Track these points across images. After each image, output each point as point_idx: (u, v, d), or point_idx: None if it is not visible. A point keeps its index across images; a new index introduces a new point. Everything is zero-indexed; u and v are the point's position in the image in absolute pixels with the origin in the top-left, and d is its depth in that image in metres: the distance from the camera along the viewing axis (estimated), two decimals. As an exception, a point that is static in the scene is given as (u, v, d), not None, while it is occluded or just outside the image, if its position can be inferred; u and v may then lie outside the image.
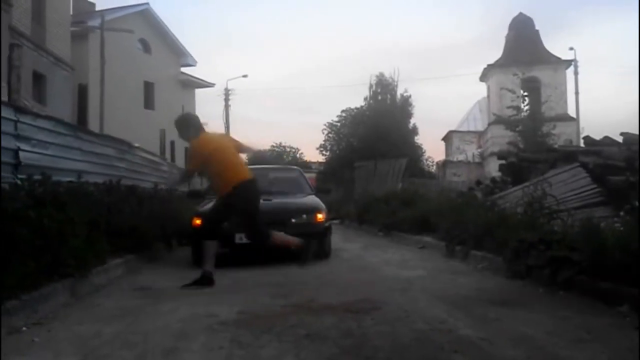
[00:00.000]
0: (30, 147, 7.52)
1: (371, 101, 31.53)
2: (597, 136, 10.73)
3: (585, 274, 4.39)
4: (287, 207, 7.40)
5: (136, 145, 13.75)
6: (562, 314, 3.83)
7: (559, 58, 33.33)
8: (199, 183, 25.39)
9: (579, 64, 32.77)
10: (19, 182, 6.39)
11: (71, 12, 21.65)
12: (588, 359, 2.90)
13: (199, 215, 7.53)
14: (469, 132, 38.78)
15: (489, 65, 34.50)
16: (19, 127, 7.26)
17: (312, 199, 8.11)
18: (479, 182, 12.59)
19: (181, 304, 4.58)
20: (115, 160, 11.57)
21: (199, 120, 6.17)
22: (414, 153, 29.61)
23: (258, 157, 6.49)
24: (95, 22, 22.50)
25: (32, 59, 16.49)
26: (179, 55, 31.12)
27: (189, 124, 6.06)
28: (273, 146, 46.94)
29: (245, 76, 44.34)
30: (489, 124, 33.26)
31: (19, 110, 7.62)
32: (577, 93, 32.46)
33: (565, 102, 32.74)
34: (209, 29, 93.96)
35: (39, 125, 7.95)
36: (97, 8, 27.16)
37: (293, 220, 7.19)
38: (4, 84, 11.17)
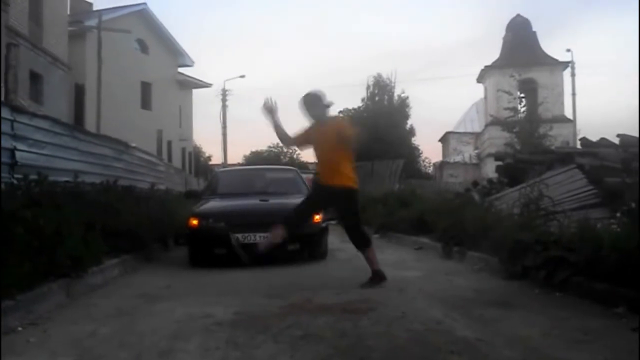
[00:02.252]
0: (26, 146, 7.52)
1: (368, 102, 31.56)
2: (594, 138, 10.76)
3: (581, 275, 4.39)
4: (284, 207, 7.36)
5: (133, 145, 13.75)
6: (559, 315, 3.83)
7: (556, 60, 33.41)
8: (196, 183, 25.32)
9: (575, 65, 32.89)
10: (15, 181, 6.38)
11: (68, 12, 21.64)
12: (584, 360, 2.90)
13: (195, 216, 7.53)
14: (466, 133, 38.87)
15: (486, 67, 34.57)
16: (16, 127, 7.25)
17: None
18: (475, 183, 12.58)
19: (177, 305, 4.57)
20: (112, 161, 11.57)
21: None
22: (411, 154, 29.69)
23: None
24: (92, 22, 22.49)
25: (29, 58, 16.46)
26: (177, 55, 31.14)
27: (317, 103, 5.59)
28: (270, 147, 46.98)
29: (242, 77, 44.69)
30: (486, 126, 33.33)
31: (16, 109, 7.62)
32: (573, 95, 32.58)
33: (562, 103, 32.84)
34: (207, 30, 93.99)
35: (36, 125, 7.95)
36: (95, 8, 27.17)
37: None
38: (1, 84, 11.16)
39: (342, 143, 5.38)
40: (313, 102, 5.57)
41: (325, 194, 5.63)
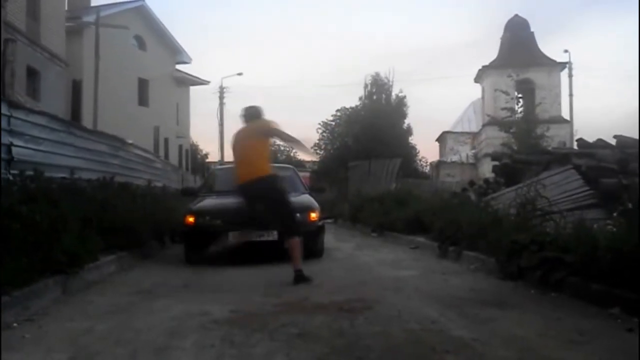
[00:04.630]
0: (23, 142, 7.50)
1: (366, 101, 31.49)
2: (591, 139, 10.78)
3: (577, 276, 4.40)
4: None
5: (130, 142, 13.73)
6: (554, 316, 3.84)
7: (554, 60, 33.42)
8: (193, 181, 25.30)
9: (573, 66, 32.88)
10: (11, 177, 6.37)
11: (66, 8, 21.55)
12: (579, 361, 2.91)
13: (192, 213, 7.52)
14: (463, 133, 38.86)
15: (483, 67, 34.57)
16: (12, 123, 7.23)
17: (306, 198, 8.10)
18: (472, 183, 12.60)
19: (174, 302, 4.57)
20: (109, 157, 11.55)
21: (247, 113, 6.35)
22: (408, 153, 29.65)
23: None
24: (90, 18, 22.40)
25: (27, 54, 16.40)
26: (174, 52, 31.06)
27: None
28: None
29: (240, 74, 44.15)
30: (483, 125, 33.34)
31: (13, 105, 7.60)
32: (571, 95, 32.57)
33: (559, 104, 32.84)
34: (205, 27, 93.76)
35: (32, 121, 7.93)
36: (93, 4, 27.06)
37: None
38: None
39: (261, 136, 6.08)
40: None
41: (243, 193, 6.10)
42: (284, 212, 5.96)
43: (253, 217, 6.23)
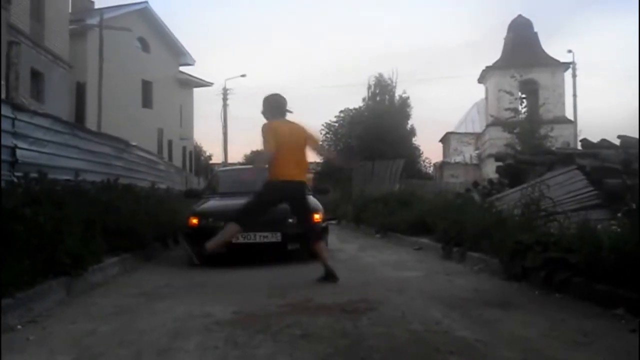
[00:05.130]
0: (27, 145, 7.52)
1: (369, 102, 31.45)
2: (595, 139, 10.77)
3: (581, 276, 4.39)
4: (283, 207, 7.38)
5: (134, 144, 13.75)
6: (558, 316, 3.83)
7: (557, 60, 33.43)
8: (196, 182, 25.31)
9: (577, 66, 32.87)
10: (15, 179, 6.39)
11: (70, 10, 21.63)
12: (583, 361, 2.90)
13: (195, 215, 7.53)
14: (466, 133, 38.86)
15: (487, 67, 34.58)
16: (17, 125, 7.25)
17: (309, 199, 8.09)
18: (476, 184, 12.59)
19: (177, 304, 4.57)
20: (113, 159, 11.58)
21: (277, 104, 6.12)
22: (412, 154, 29.60)
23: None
24: (94, 20, 22.50)
25: (31, 56, 16.46)
26: (178, 54, 31.13)
27: (266, 106, 6.10)
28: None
29: (243, 76, 44.49)
30: (487, 126, 33.33)
31: (17, 107, 7.61)
32: (574, 95, 32.58)
33: (563, 104, 32.83)
34: (208, 28, 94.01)
35: (37, 123, 7.95)
36: (96, 6, 27.23)
37: (290, 221, 7.17)
38: (2, 82, 11.15)
39: (312, 145, 6.17)
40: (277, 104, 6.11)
41: (284, 189, 5.96)
42: (310, 219, 6.26)
43: (260, 213, 6.12)
